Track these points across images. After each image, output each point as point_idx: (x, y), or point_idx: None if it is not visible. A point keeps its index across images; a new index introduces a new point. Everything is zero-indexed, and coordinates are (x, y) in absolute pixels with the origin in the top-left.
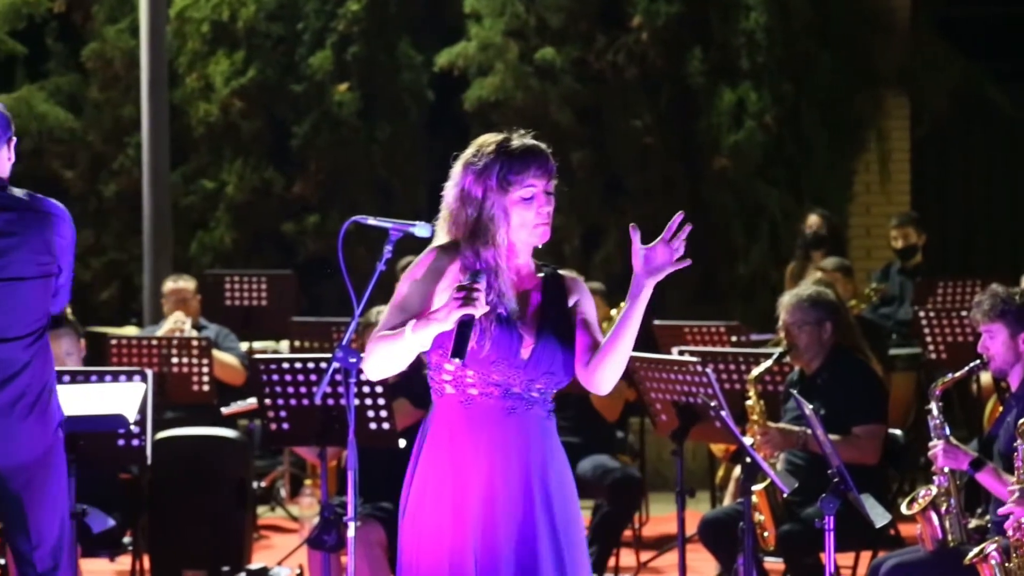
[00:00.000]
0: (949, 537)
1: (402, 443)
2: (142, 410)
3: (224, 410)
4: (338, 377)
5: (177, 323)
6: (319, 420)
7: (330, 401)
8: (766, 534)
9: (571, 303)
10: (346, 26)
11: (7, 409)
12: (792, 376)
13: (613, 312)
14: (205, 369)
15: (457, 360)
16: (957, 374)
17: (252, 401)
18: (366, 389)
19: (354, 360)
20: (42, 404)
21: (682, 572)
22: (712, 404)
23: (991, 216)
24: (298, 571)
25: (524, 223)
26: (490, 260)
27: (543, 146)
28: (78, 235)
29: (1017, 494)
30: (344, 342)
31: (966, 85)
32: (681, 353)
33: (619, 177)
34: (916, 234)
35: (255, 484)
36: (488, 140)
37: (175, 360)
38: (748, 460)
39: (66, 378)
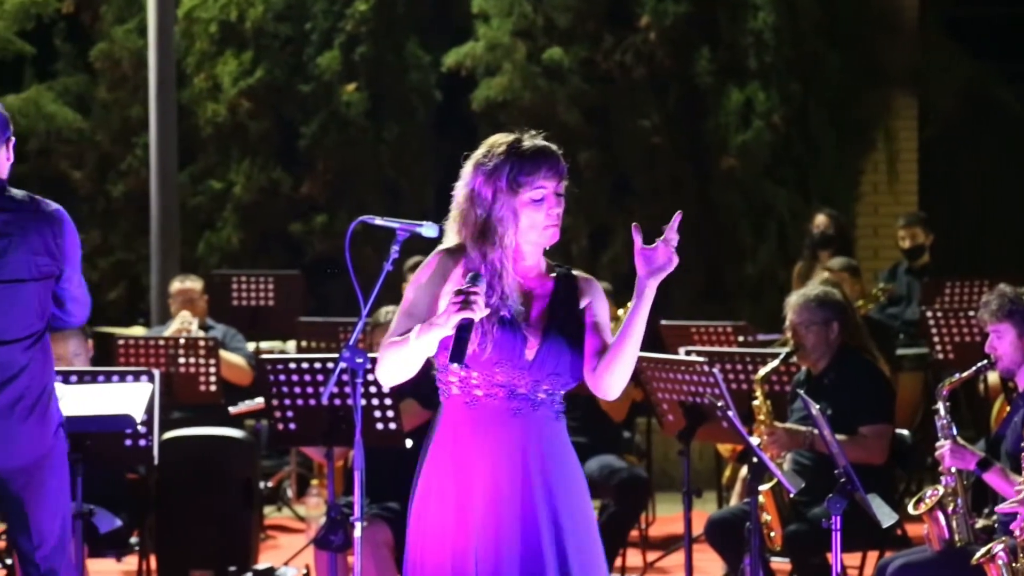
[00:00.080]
0: (956, 537)
1: (409, 443)
2: (149, 410)
3: (232, 410)
4: (345, 377)
5: (184, 323)
6: (326, 420)
7: (337, 401)
8: (773, 534)
9: (582, 305)
10: (354, 26)
11: (6, 411)
12: (799, 376)
13: (620, 312)
14: (212, 369)
15: (455, 365)
16: (964, 374)
17: (259, 401)
18: (373, 389)
19: (361, 360)
20: (41, 406)
21: (688, 572)
22: (719, 404)
23: (999, 216)
24: (305, 571)
25: (533, 224)
26: (496, 261)
27: (554, 147)
28: (86, 235)
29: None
30: (351, 342)
31: (974, 85)
32: (688, 353)
33: (627, 177)
34: (924, 234)
35: (262, 484)
36: (499, 140)
37: (182, 360)
38: (755, 460)
39: (73, 378)
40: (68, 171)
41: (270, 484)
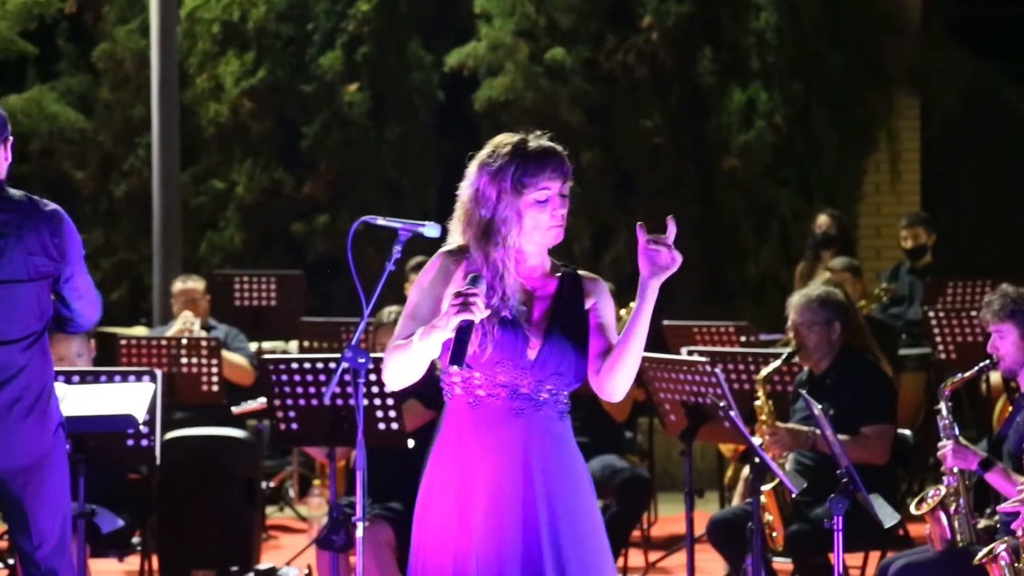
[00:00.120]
0: (958, 537)
1: (411, 443)
2: (151, 410)
3: (234, 410)
4: (347, 377)
5: (186, 323)
6: (328, 420)
7: (339, 401)
8: (775, 534)
9: (587, 305)
10: (356, 26)
11: (5, 412)
12: (801, 376)
13: (622, 312)
14: (214, 369)
15: (455, 367)
16: (967, 374)
17: (262, 401)
18: (375, 389)
19: (363, 360)
20: (40, 406)
21: (690, 572)
22: (721, 404)
23: (1001, 216)
24: (307, 571)
25: (537, 225)
26: (499, 262)
27: (559, 148)
28: (88, 236)
29: None
30: (353, 342)
31: (977, 85)
32: (690, 353)
33: (629, 177)
34: (926, 234)
35: (264, 484)
36: (504, 141)
37: (184, 360)
38: (757, 460)
39: (75, 378)
40: (71, 171)
41: (272, 484)
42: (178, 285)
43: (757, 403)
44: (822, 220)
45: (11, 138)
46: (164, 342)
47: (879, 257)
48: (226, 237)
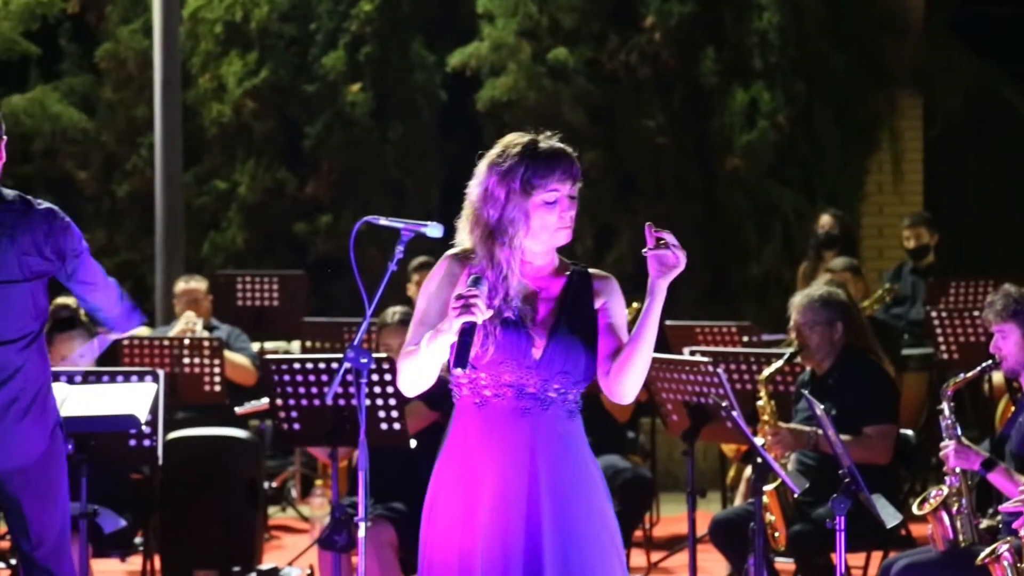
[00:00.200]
0: (960, 537)
1: (413, 444)
2: (153, 410)
3: (238, 410)
4: (349, 377)
5: (189, 323)
6: (330, 420)
7: (341, 401)
8: (777, 534)
9: (597, 305)
10: (359, 26)
11: (2, 412)
12: (803, 376)
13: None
14: (217, 369)
15: (459, 370)
16: (969, 374)
17: (265, 401)
18: (377, 390)
19: (365, 360)
20: (38, 407)
21: (692, 572)
22: (723, 404)
23: (1004, 216)
24: (309, 571)
25: (545, 226)
26: (504, 262)
27: (569, 150)
28: (91, 235)
29: None
30: (356, 342)
31: (979, 85)
32: (692, 353)
33: (632, 177)
34: (928, 234)
35: (266, 484)
36: (514, 141)
37: (187, 360)
38: (759, 460)
39: (78, 378)
40: (73, 171)
41: (274, 484)
42: (180, 285)
43: (759, 403)
44: (825, 220)
45: (5, 137)
46: (166, 342)
47: (881, 257)
48: (228, 237)
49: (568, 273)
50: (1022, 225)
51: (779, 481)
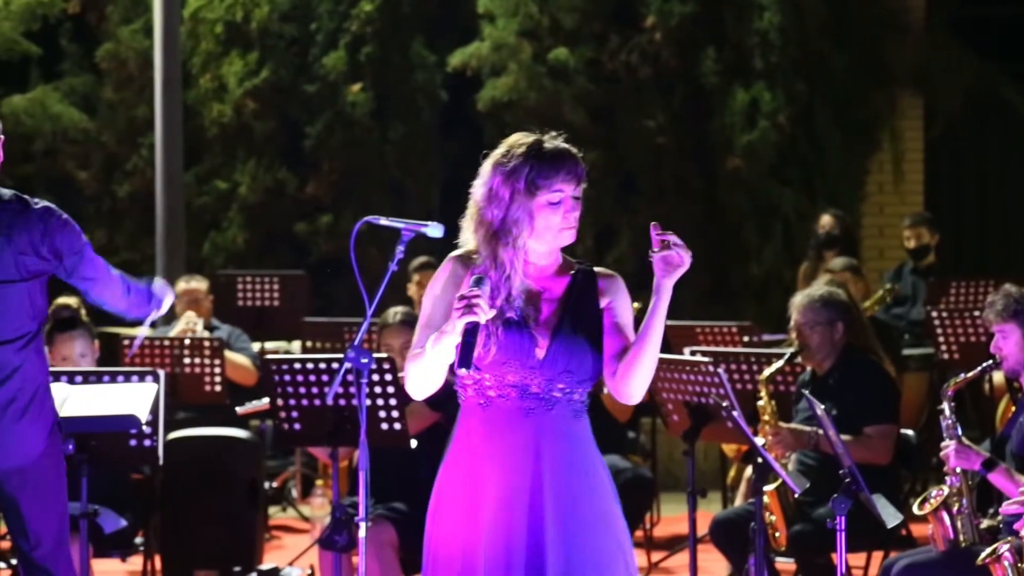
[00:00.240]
0: (961, 537)
1: (414, 444)
2: (154, 410)
3: (239, 409)
4: (350, 377)
5: (189, 323)
6: (331, 420)
7: (342, 401)
8: (777, 534)
9: (602, 303)
10: (359, 26)
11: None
12: (804, 376)
13: None
14: (217, 369)
15: (463, 370)
16: (970, 374)
17: (266, 401)
18: (378, 390)
19: (366, 360)
20: (35, 407)
21: (693, 572)
22: (724, 404)
23: (1004, 216)
24: (309, 571)
25: (549, 227)
26: (507, 262)
27: (574, 150)
28: (91, 235)
29: None
30: (356, 342)
31: (980, 85)
32: (693, 353)
33: (632, 177)
34: (929, 234)
35: (267, 484)
36: (519, 141)
37: (187, 360)
38: (760, 460)
39: (78, 378)
40: (74, 171)
41: (275, 484)
42: (181, 285)
43: (760, 403)
44: (825, 220)
45: (2, 137)
46: (167, 342)
47: (882, 257)
48: (229, 237)
49: (573, 272)
50: (1022, 225)
51: (780, 481)
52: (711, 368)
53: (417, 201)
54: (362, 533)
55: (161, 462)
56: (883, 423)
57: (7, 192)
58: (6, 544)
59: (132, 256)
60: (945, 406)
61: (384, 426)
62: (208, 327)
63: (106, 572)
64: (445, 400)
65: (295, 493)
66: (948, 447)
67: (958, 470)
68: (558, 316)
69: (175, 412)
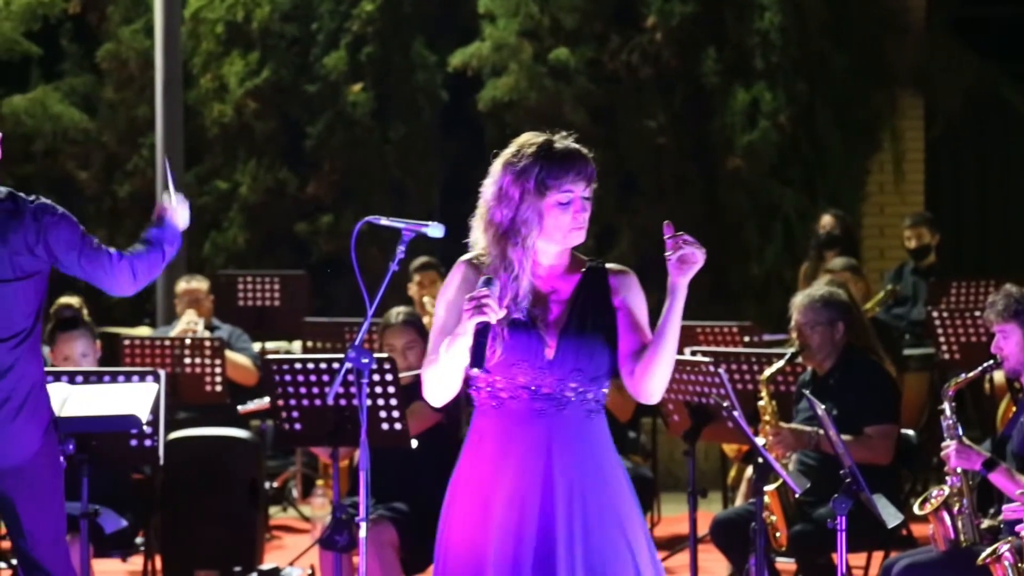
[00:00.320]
0: (961, 537)
1: (414, 444)
2: (155, 410)
3: (240, 408)
4: (351, 377)
5: (190, 323)
6: (331, 420)
7: (343, 401)
8: (778, 534)
9: (614, 300)
10: (360, 26)
11: None
12: (804, 376)
13: None
14: (218, 369)
15: (476, 370)
16: (970, 374)
17: (268, 399)
18: (379, 390)
19: (367, 360)
20: (30, 406)
21: (693, 572)
22: (724, 404)
23: (1005, 216)
24: (310, 571)
25: (559, 227)
26: (515, 262)
27: (584, 151)
28: (93, 235)
29: None
30: (357, 342)
31: (981, 85)
32: (694, 353)
33: (633, 177)
34: (930, 234)
35: (267, 484)
36: (529, 141)
37: (188, 360)
38: (760, 460)
39: (79, 378)
40: (74, 171)
41: (275, 484)
42: (182, 285)
43: (760, 403)
44: (826, 220)
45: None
46: (168, 342)
47: (883, 257)
48: (230, 237)
49: (583, 271)
50: (1022, 225)
51: (780, 481)
52: (712, 368)
53: (417, 201)
54: (362, 533)
55: (161, 462)
56: (884, 423)
57: (2, 190)
58: (6, 544)
59: None
60: (946, 406)
61: (385, 426)
62: (209, 327)
63: (106, 572)
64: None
65: (296, 493)
66: (949, 447)
67: (959, 470)
68: (566, 315)
69: (176, 412)
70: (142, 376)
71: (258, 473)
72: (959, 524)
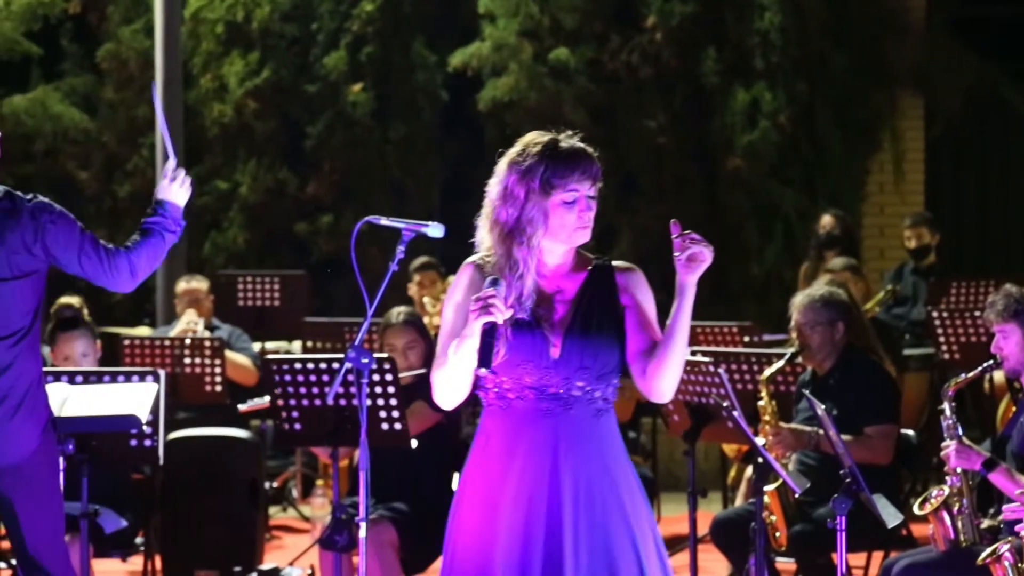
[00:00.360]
0: (961, 537)
1: (414, 444)
2: (155, 410)
3: (241, 407)
4: (351, 377)
5: (190, 323)
6: (331, 420)
7: (342, 401)
8: (778, 534)
9: (621, 298)
10: (360, 26)
11: None
12: (804, 376)
13: None
14: (218, 369)
15: (483, 371)
16: (970, 374)
17: (268, 399)
18: (378, 390)
19: (366, 360)
20: (28, 404)
21: (693, 572)
22: (724, 404)
23: (1005, 216)
24: (310, 571)
25: (564, 226)
26: (520, 262)
27: (589, 150)
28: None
29: None
30: (357, 342)
31: (981, 85)
32: (694, 354)
33: (633, 177)
34: (930, 234)
35: (267, 484)
36: (535, 140)
37: (188, 360)
38: (760, 460)
39: (79, 378)
40: (75, 171)
41: (275, 484)
42: (182, 285)
43: (760, 403)
44: (826, 220)
45: None
46: (167, 342)
47: (883, 257)
48: (230, 237)
49: (589, 269)
50: (1022, 225)
51: (780, 481)
52: (712, 368)
53: (418, 201)
54: (362, 533)
55: (161, 462)
56: (884, 423)
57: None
58: (6, 544)
59: None
60: (946, 406)
61: (384, 426)
62: (209, 327)
63: (106, 572)
64: None
65: (295, 493)
66: (949, 447)
67: (959, 470)
68: (571, 315)
69: (175, 412)
70: (142, 376)
71: (258, 473)
72: (959, 524)
